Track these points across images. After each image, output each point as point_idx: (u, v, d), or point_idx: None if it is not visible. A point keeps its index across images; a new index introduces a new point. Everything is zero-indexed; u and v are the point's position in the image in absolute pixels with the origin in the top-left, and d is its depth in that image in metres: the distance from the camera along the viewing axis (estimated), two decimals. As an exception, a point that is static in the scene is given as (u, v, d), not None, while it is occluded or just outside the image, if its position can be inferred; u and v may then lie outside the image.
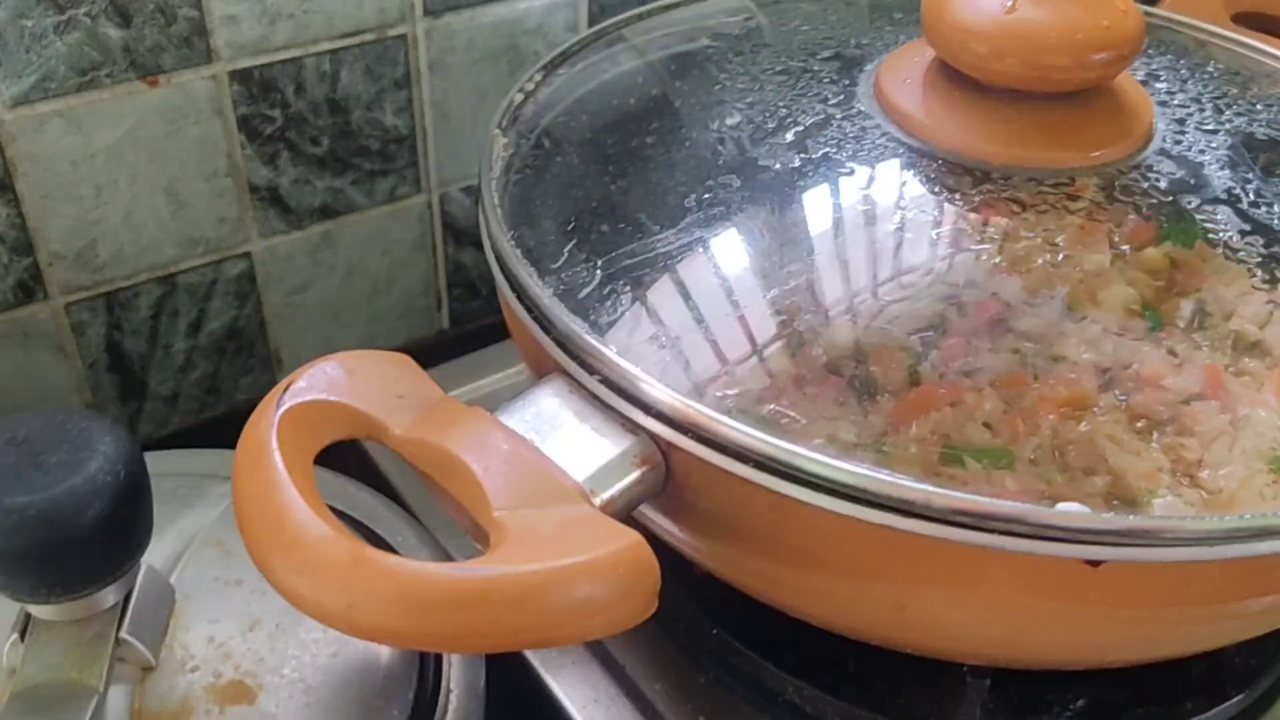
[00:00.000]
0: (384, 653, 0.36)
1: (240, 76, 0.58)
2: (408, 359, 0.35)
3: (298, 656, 0.35)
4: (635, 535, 0.30)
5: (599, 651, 0.43)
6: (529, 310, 0.36)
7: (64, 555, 0.30)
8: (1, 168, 0.55)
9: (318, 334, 0.69)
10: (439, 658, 0.37)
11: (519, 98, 0.44)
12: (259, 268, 0.64)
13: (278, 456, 0.30)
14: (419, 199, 0.67)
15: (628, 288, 0.35)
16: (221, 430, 0.63)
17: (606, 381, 0.33)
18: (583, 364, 0.34)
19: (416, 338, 0.72)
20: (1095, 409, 0.33)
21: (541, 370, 0.36)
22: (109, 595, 0.33)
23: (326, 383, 0.33)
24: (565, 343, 0.34)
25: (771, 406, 0.32)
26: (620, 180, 0.39)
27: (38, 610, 0.32)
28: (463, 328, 0.74)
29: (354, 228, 0.66)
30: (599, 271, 0.36)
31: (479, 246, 0.69)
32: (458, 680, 0.37)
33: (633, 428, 0.33)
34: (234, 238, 0.63)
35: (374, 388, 0.34)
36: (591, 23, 0.67)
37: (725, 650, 0.42)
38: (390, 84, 0.63)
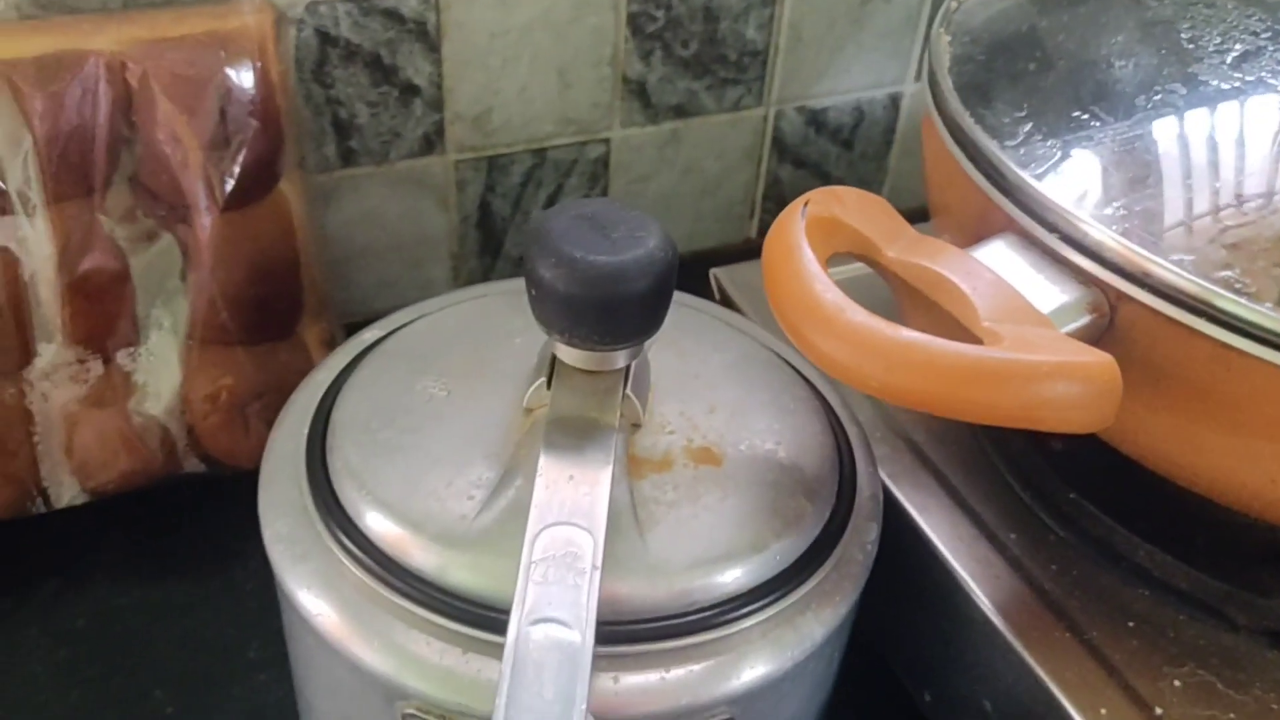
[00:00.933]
0: (811, 460, 0.42)
1: (640, -24, 0.65)
2: (885, 202, 0.41)
3: (749, 440, 0.41)
4: (1109, 355, 0.35)
5: (960, 501, 0.49)
6: (987, 175, 0.41)
7: (621, 309, 0.36)
8: (435, 31, 0.62)
9: (646, 224, 0.75)
10: (854, 480, 0.42)
11: (954, 4, 0.49)
12: (614, 154, 0.71)
13: (809, 251, 0.37)
14: (758, 111, 0.73)
15: (1084, 165, 0.41)
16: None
17: (1065, 237, 0.38)
18: (1042, 221, 0.39)
19: (727, 242, 0.79)
20: None
21: (981, 234, 0.42)
22: (624, 356, 0.39)
23: (835, 203, 0.39)
24: (1026, 202, 0.40)
25: (1222, 274, 0.37)
26: (1067, 79, 0.44)
27: (575, 358, 0.39)
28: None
29: (698, 130, 0.73)
30: (1058, 151, 0.41)
31: (798, 164, 0.75)
32: (861, 504, 0.42)
33: (1085, 280, 0.38)
34: (600, 123, 0.70)
35: (867, 216, 0.40)
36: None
37: (1079, 513, 0.47)
38: (758, 0, 0.69)
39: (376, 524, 0.36)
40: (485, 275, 0.73)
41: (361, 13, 0.60)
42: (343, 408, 0.40)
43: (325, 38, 0.60)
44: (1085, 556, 0.47)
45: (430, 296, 0.69)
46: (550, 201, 0.71)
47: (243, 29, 0.53)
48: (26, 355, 0.52)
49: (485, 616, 0.34)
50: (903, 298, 0.40)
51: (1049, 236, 0.39)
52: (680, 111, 0.71)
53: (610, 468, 0.36)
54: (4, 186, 0.49)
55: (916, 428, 0.51)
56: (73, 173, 0.50)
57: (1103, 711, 0.41)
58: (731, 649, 0.36)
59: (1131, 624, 0.44)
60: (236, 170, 0.53)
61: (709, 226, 0.77)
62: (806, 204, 0.39)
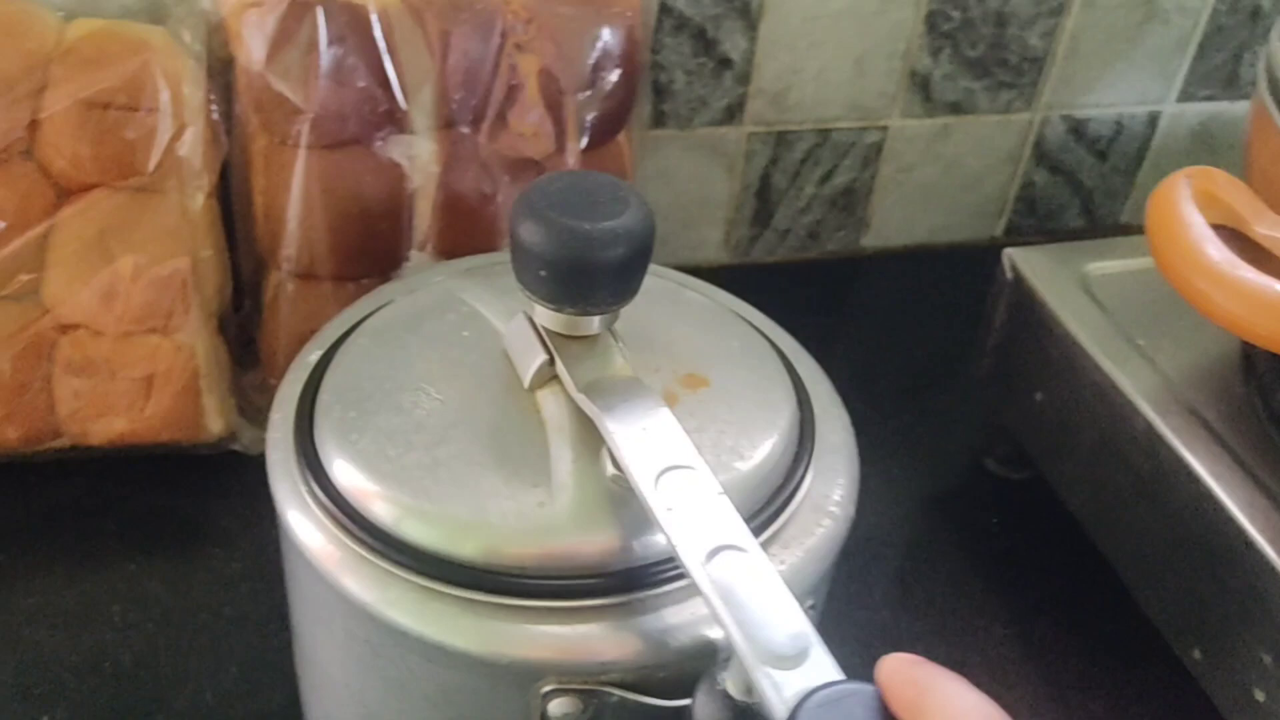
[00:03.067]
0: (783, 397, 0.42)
1: (945, -24, 0.70)
2: (1245, 185, 0.46)
3: (721, 363, 0.42)
4: None
5: (1249, 471, 0.52)
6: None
7: (634, 266, 0.37)
8: (756, 10, 0.68)
9: (904, 212, 0.80)
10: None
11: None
12: (888, 142, 0.76)
13: (1198, 215, 0.41)
14: (1025, 115, 0.78)
15: None
16: (809, 272, 0.75)
17: None
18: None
19: (974, 238, 0.83)
20: None
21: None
22: (611, 318, 0.39)
23: (1210, 180, 0.44)
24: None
25: None
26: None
27: (574, 326, 0.38)
28: (1011, 239, 0.84)
29: (968, 127, 0.77)
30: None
31: (1053, 170, 0.79)
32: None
33: None
34: (882, 111, 0.74)
35: (1237, 194, 0.44)
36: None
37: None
38: (1047, 10, 0.73)
39: (466, 544, 0.36)
40: (752, 243, 0.78)
41: (698, -13, 0.66)
42: (361, 442, 0.38)
43: (664, 8, 0.66)
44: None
45: (700, 257, 0.74)
46: (824, 181, 0.76)
47: (618, -11, 0.59)
48: (398, 259, 0.58)
49: (598, 585, 0.36)
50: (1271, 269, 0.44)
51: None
52: (955, 108, 0.76)
53: (666, 408, 0.37)
54: (406, 108, 0.56)
55: (1208, 406, 0.55)
56: (463, 102, 0.56)
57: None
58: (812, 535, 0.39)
59: None
60: (596, 115, 0.58)
61: (960, 221, 0.82)
62: (1188, 177, 0.43)
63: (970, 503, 0.67)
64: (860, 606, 0.59)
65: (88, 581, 0.55)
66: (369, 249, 0.57)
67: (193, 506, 0.59)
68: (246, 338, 0.62)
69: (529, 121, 0.57)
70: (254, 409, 0.61)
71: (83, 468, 0.59)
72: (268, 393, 0.60)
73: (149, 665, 0.52)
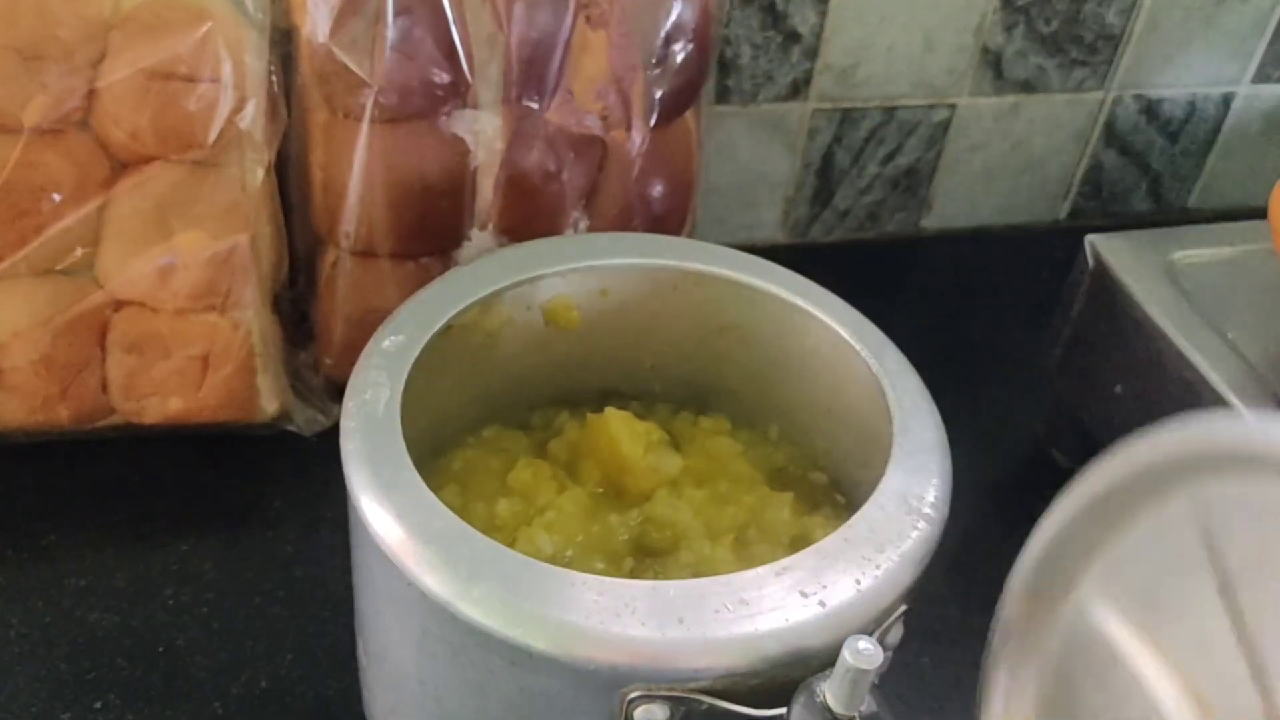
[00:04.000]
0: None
1: (1021, -50, 0.67)
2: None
3: None
4: None
5: None
6: None
7: None
8: (829, -18, 0.65)
9: (966, 193, 0.78)
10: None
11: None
12: (956, 120, 0.74)
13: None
14: (1097, 95, 0.75)
15: None
16: (866, 253, 0.73)
17: None
18: None
19: (1037, 220, 0.81)
20: None
21: None
22: None
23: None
24: None
25: None
26: None
27: None
28: (1075, 221, 0.81)
29: (1037, 106, 0.75)
30: None
31: (1122, 151, 0.77)
32: None
33: None
34: (951, 89, 0.72)
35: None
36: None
37: None
38: (1124, -14, 0.71)
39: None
40: (810, 223, 0.76)
41: (768, -42, 0.63)
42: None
43: (731, -21, 0.64)
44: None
45: (757, 236, 0.72)
46: (888, 160, 0.74)
47: (689, -40, 0.56)
48: (459, 238, 0.57)
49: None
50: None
51: None
52: (1026, 86, 0.73)
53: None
54: (472, 81, 0.54)
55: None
56: (531, 76, 0.55)
57: None
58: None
59: None
60: (665, 91, 0.57)
61: (1023, 203, 0.79)
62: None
63: (1033, 494, 0.64)
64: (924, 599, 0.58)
65: (140, 562, 0.54)
66: (429, 227, 0.56)
67: (245, 487, 0.58)
68: (300, 315, 0.60)
69: (597, 97, 0.55)
70: (308, 388, 0.59)
71: (133, 446, 0.58)
72: (321, 372, 0.59)
73: (203, 649, 0.51)
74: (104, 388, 0.55)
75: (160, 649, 0.51)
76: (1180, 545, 0.33)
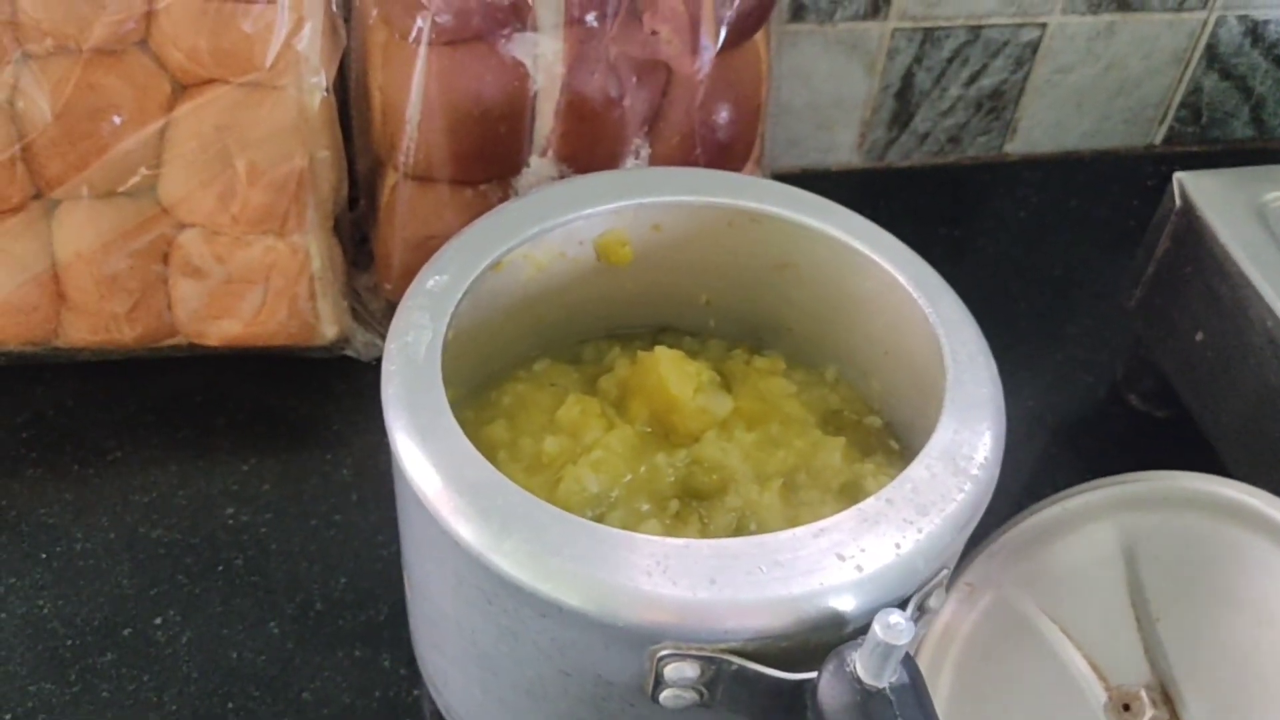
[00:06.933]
0: None
1: None
2: None
3: None
4: None
5: None
6: None
7: None
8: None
9: (1054, 116, 0.74)
10: None
11: None
12: (1046, 40, 0.70)
13: None
14: (1200, 15, 0.71)
15: None
16: (945, 179, 0.71)
17: None
18: None
19: (1129, 145, 0.77)
20: None
21: None
22: None
23: None
24: None
25: None
26: None
27: None
28: (1170, 148, 0.78)
29: (1135, 26, 0.71)
30: None
31: (1224, 75, 0.73)
32: None
33: None
34: (1041, 6, 0.68)
35: None
36: None
37: None
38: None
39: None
40: (887, 147, 0.73)
41: None
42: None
43: (806, -110, 0.61)
44: None
45: (831, 160, 0.70)
46: (971, 82, 0.71)
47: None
48: (518, 165, 0.56)
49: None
50: None
51: None
52: (1124, 4, 0.69)
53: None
54: (533, 3, 0.52)
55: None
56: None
57: None
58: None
59: None
60: (734, 13, 0.54)
61: (1115, 127, 0.76)
62: None
63: (1106, 437, 0.63)
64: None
65: (202, 479, 0.55)
66: (488, 153, 0.55)
67: (305, 409, 0.59)
68: (361, 236, 0.60)
69: (663, 19, 0.53)
70: (368, 312, 0.59)
71: (197, 365, 0.59)
72: (381, 296, 0.59)
73: (261, 570, 0.52)
74: (168, 309, 0.55)
75: (219, 567, 0.52)
76: (1102, 556, 0.44)
